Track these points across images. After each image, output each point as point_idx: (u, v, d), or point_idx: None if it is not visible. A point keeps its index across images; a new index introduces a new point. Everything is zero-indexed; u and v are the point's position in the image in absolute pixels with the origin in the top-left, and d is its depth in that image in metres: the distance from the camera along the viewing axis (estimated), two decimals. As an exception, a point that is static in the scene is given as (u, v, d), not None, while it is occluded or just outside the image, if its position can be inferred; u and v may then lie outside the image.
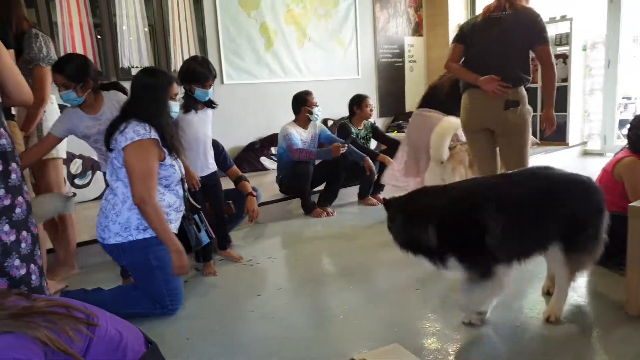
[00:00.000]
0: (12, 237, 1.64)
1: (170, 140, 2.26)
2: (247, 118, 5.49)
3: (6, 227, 1.63)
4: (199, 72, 2.84)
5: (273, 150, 5.44)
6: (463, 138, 3.41)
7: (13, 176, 1.66)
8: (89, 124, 2.58)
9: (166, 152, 2.28)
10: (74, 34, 4.54)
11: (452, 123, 3.44)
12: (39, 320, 1.13)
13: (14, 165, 1.67)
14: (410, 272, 2.63)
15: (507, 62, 2.78)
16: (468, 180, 2.48)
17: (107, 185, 2.39)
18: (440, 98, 3.66)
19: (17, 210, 1.66)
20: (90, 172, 4.38)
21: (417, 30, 7.01)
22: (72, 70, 2.46)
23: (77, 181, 4.31)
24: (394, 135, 5.59)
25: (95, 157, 4.36)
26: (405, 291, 2.49)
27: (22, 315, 1.13)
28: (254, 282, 2.81)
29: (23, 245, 1.67)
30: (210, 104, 2.99)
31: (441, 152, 3.43)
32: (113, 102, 2.62)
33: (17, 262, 1.65)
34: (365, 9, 6.41)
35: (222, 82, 5.34)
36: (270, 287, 2.72)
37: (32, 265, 1.71)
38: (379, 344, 1.94)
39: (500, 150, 2.97)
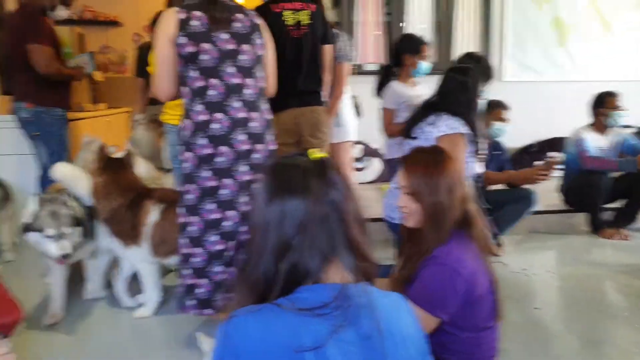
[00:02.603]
0: (248, 208, 1.83)
1: (476, 136, 2.24)
2: (525, 118, 5.04)
3: (245, 198, 1.83)
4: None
5: (552, 155, 4.91)
6: None
7: (256, 155, 1.85)
8: None
9: (469, 148, 2.26)
10: (367, 31, 4.96)
11: None
12: None
13: (258, 146, 1.85)
14: None
15: None
16: None
17: (391, 169, 2.51)
18: None
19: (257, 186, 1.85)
20: (368, 157, 4.76)
21: None
22: None
23: (354, 164, 4.74)
24: None
25: (374, 146, 4.73)
26: None
27: None
28: (530, 292, 2.60)
29: None
30: None
31: None
32: None
33: None
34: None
35: (500, 79, 5.07)
36: (549, 302, 2.47)
37: None
38: None
39: None
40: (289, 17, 2.60)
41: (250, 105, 1.84)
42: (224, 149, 1.79)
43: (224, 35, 1.79)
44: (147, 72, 3.69)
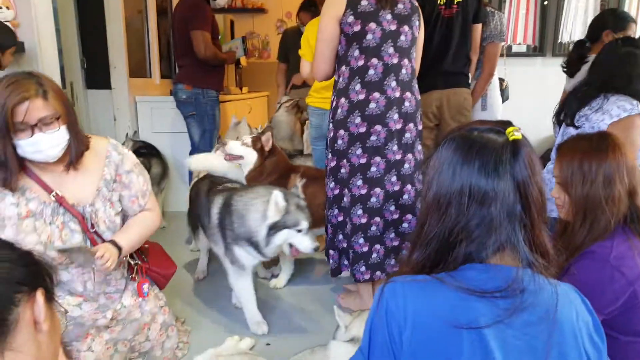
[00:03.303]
0: (396, 188, 1.88)
1: None
2: None
3: (394, 179, 1.88)
4: None
5: None
6: None
7: (407, 135, 1.88)
8: None
9: None
10: (519, 9, 4.54)
11: None
12: None
13: (410, 125, 1.89)
14: None
15: None
16: None
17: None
18: None
19: (406, 165, 1.89)
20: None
21: None
22: None
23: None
24: None
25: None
26: None
27: None
28: None
29: (405, 196, 1.90)
30: None
31: None
32: None
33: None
34: None
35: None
36: None
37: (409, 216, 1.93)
38: None
39: None
40: None
41: (405, 85, 1.86)
42: (378, 127, 1.83)
43: (388, 16, 1.82)
44: (289, 57, 3.81)
